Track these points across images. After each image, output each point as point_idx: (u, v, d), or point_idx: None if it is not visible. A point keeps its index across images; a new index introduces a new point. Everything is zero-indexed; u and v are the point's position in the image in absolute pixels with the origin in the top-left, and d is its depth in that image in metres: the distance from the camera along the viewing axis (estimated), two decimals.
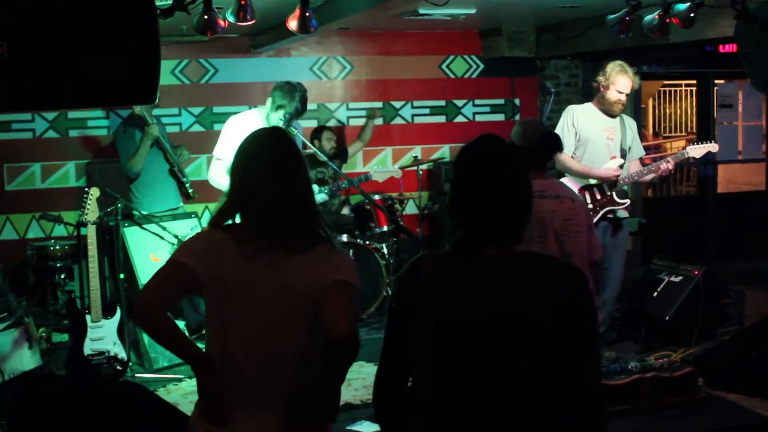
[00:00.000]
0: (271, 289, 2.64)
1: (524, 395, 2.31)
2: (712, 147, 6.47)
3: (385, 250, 7.78)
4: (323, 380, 2.62)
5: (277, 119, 5.95)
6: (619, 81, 6.23)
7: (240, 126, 5.97)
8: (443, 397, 2.34)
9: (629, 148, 6.40)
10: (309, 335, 2.65)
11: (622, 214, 6.37)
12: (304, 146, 6.39)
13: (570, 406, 2.33)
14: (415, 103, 9.33)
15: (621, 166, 6.32)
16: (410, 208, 8.97)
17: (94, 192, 6.16)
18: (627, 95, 6.33)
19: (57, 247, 7.25)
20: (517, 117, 9.56)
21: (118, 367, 6.07)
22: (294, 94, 5.95)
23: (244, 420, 2.65)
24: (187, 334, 6.59)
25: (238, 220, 2.79)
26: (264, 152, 2.71)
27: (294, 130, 6.14)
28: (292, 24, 5.31)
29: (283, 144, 2.76)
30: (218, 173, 6.05)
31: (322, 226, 2.75)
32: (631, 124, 6.49)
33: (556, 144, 4.51)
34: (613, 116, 6.34)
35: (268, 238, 2.64)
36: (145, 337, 6.57)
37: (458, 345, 2.34)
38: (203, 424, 2.70)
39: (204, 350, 2.78)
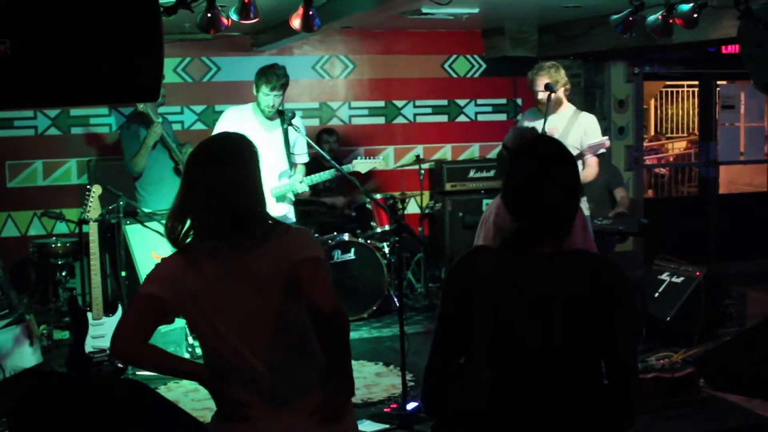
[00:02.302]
0: (243, 284, 2.66)
1: (576, 384, 2.47)
2: (603, 144, 6.27)
3: (386, 249, 7.78)
4: (329, 358, 2.71)
5: (264, 100, 6.14)
6: (534, 82, 6.17)
7: (235, 117, 6.22)
8: (501, 387, 2.46)
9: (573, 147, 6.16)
10: (293, 315, 2.69)
11: None
12: (309, 146, 6.39)
13: (611, 391, 2.50)
14: (417, 103, 9.33)
15: None
16: (412, 207, 8.97)
17: (97, 189, 6.15)
18: (552, 92, 6.02)
19: (58, 245, 7.25)
20: (519, 117, 9.56)
21: (119, 365, 6.06)
22: (269, 69, 6.15)
23: (265, 413, 2.68)
24: (188, 332, 6.61)
25: None
26: (202, 158, 2.74)
27: (297, 129, 6.15)
28: (296, 22, 5.31)
29: (221, 146, 2.78)
30: None
31: (268, 216, 2.78)
32: (584, 120, 6.14)
33: None
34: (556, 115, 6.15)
35: (215, 238, 2.67)
36: None
37: (515, 338, 2.46)
38: (225, 424, 2.73)
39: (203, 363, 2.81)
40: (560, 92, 6.14)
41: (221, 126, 6.21)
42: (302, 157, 6.46)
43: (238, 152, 2.75)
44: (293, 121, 6.15)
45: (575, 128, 6.11)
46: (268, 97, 6.12)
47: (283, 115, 6.24)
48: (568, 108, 6.20)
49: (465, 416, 2.50)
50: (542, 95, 6.14)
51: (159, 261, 2.82)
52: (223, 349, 2.69)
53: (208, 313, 2.68)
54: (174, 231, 2.72)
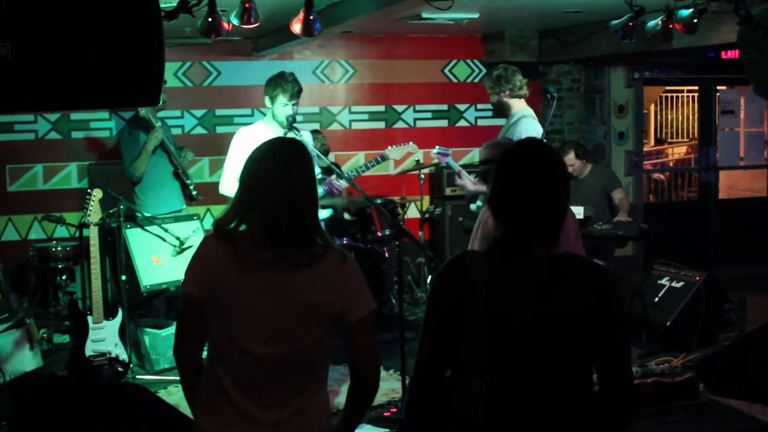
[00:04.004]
0: (279, 303, 2.59)
1: (571, 389, 2.44)
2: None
3: (386, 254, 7.77)
4: (347, 414, 2.75)
5: (282, 111, 5.81)
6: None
7: (248, 136, 5.86)
8: (493, 393, 2.42)
9: None
10: (323, 346, 2.66)
11: None
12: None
13: (606, 395, 2.48)
14: (417, 107, 9.34)
15: None
16: (412, 212, 8.97)
17: (97, 193, 6.16)
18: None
19: (59, 249, 7.25)
20: None
21: (119, 369, 6.07)
22: (281, 79, 5.86)
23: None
24: None
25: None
26: (268, 158, 2.67)
27: (298, 132, 6.09)
28: (296, 27, 5.31)
29: (288, 149, 2.70)
30: (226, 184, 5.83)
31: (320, 233, 2.69)
32: (517, 127, 5.97)
33: None
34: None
35: (270, 247, 2.58)
36: (147, 339, 6.56)
37: (509, 342, 2.42)
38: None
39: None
40: (504, 96, 6.06)
41: (238, 149, 5.82)
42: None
43: (303, 159, 2.68)
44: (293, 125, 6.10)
45: (513, 133, 5.98)
46: (287, 107, 5.83)
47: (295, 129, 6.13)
48: (515, 113, 6.06)
49: (456, 425, 2.46)
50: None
51: (201, 241, 2.75)
52: (229, 351, 2.65)
53: (228, 320, 2.63)
54: (226, 222, 2.66)
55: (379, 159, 6.59)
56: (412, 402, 2.58)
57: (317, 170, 6.06)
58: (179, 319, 2.80)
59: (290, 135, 5.69)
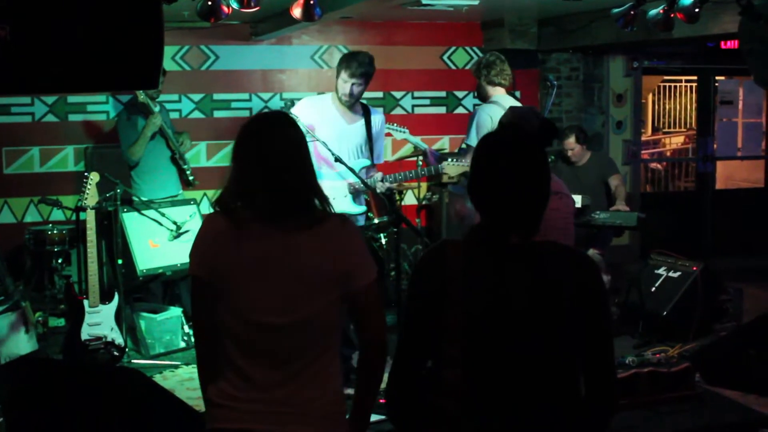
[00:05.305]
0: (283, 271, 2.58)
1: (550, 380, 2.38)
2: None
3: (383, 240, 7.77)
4: (359, 394, 2.76)
5: (341, 87, 5.72)
6: None
7: (312, 105, 5.85)
8: (472, 384, 2.37)
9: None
10: (332, 313, 2.64)
11: None
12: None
13: (588, 388, 2.42)
14: (416, 94, 9.31)
15: None
16: (409, 199, 8.96)
17: (94, 177, 6.14)
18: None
19: (55, 232, 7.23)
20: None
21: (115, 353, 6.07)
22: (352, 56, 5.80)
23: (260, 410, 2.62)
24: (184, 320, 6.62)
25: None
26: (252, 133, 2.67)
27: (296, 118, 5.95)
28: (297, 11, 5.29)
29: (272, 123, 2.70)
30: None
31: (321, 198, 2.68)
32: (478, 111, 6.23)
33: (554, 132, 4.36)
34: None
35: (268, 217, 2.60)
36: (143, 323, 6.56)
37: (488, 333, 2.37)
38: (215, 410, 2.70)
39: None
40: (481, 81, 6.27)
41: (296, 113, 5.66)
42: (379, 158, 6.05)
43: (288, 129, 2.68)
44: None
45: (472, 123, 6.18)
46: (346, 84, 5.70)
47: (367, 109, 5.94)
48: (490, 99, 6.23)
49: (436, 417, 2.42)
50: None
51: (199, 229, 2.74)
52: (237, 326, 2.62)
53: (237, 291, 2.61)
54: (224, 199, 2.66)
55: (432, 170, 6.36)
56: (391, 393, 2.55)
57: (364, 161, 5.93)
58: (191, 295, 2.78)
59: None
